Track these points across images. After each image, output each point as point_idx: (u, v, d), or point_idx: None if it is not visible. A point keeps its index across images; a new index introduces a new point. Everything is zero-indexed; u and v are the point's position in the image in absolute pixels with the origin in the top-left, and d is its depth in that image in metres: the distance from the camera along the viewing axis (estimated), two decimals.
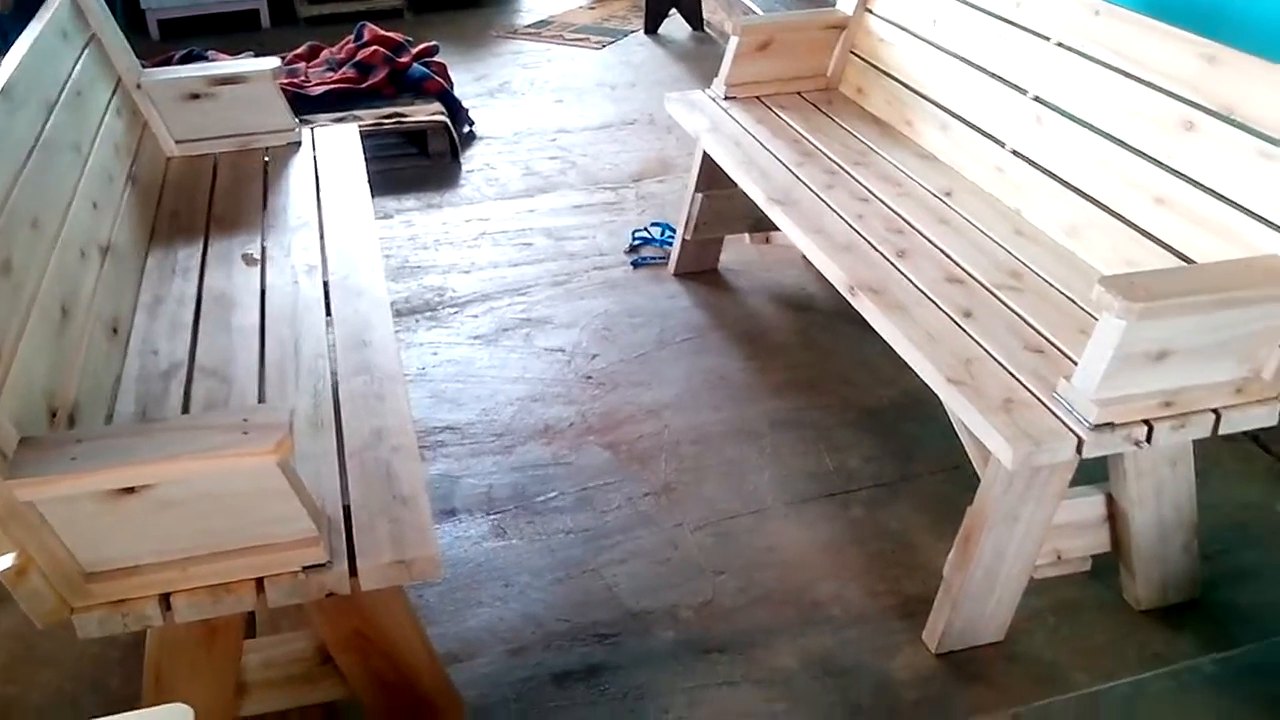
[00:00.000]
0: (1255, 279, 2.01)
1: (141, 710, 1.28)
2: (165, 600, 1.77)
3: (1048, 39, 2.81)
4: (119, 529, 1.72)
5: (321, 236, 2.85)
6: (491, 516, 2.79)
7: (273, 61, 3.38)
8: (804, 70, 3.63)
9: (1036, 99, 2.81)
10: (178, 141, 3.27)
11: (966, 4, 3.12)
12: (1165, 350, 1.97)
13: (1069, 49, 2.74)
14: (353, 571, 1.81)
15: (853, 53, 3.59)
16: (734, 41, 3.50)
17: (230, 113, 3.30)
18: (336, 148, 3.34)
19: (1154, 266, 2.34)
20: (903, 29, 3.37)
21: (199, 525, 1.75)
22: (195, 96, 3.26)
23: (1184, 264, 2.31)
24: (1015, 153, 2.86)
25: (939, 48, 3.20)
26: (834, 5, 3.67)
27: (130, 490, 1.68)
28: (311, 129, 3.47)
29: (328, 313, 2.54)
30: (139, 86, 3.17)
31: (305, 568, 1.81)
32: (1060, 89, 2.75)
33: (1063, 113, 2.72)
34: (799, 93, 3.61)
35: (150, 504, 1.71)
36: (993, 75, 2.98)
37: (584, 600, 2.53)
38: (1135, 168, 2.48)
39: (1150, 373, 1.99)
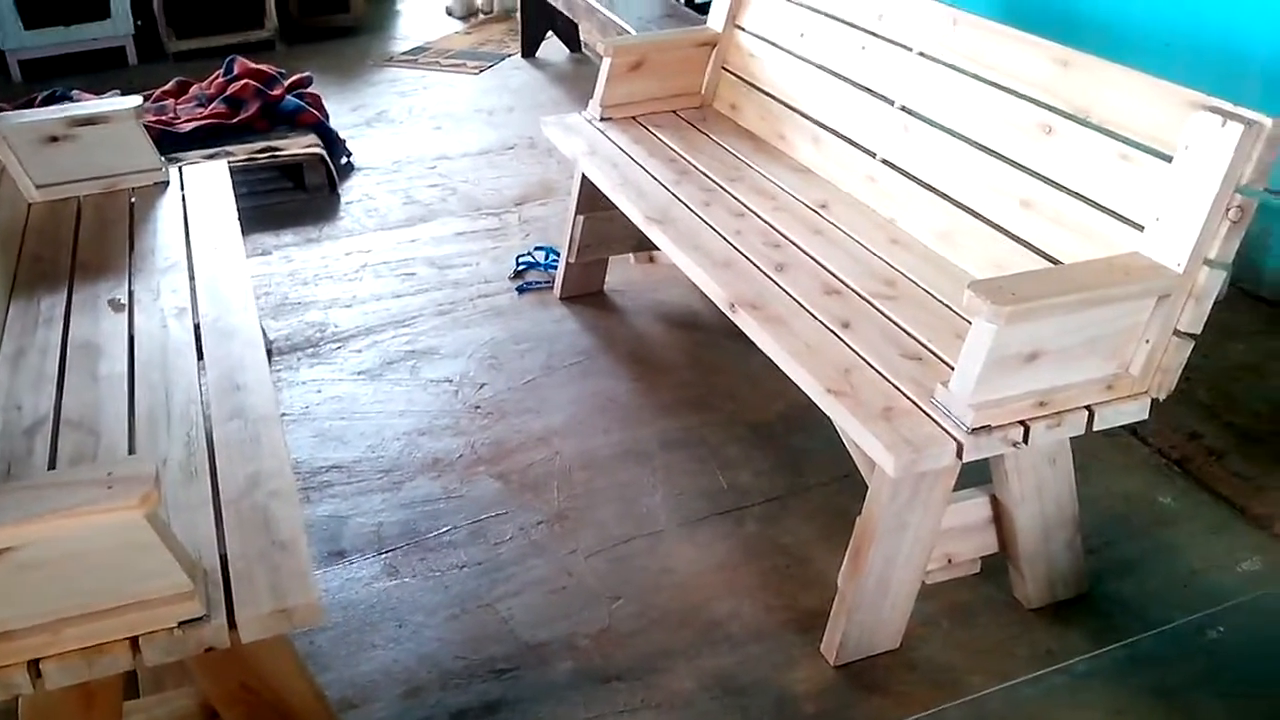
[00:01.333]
0: (1117, 278, 2.05)
1: None
2: (35, 666, 1.70)
3: (910, 49, 2.86)
4: None
5: (191, 278, 2.77)
6: (382, 555, 2.73)
7: (134, 100, 3.29)
8: (678, 88, 3.65)
9: (903, 109, 2.86)
10: (39, 186, 3.16)
11: (831, 17, 3.17)
12: (1036, 351, 2.01)
13: (931, 58, 2.79)
14: (232, 624, 1.75)
15: (725, 69, 3.62)
16: (606, 63, 3.50)
17: (93, 154, 3.20)
18: (205, 185, 3.26)
19: (1023, 269, 2.38)
20: (772, 44, 3.41)
21: (67, 586, 1.68)
22: (55, 139, 3.16)
23: (1051, 265, 2.35)
24: (886, 162, 2.90)
25: (807, 61, 3.24)
26: (705, 23, 3.70)
27: None
28: (180, 167, 3.38)
29: (200, 356, 2.46)
30: None
31: (181, 623, 1.74)
32: (925, 98, 2.79)
33: (929, 121, 2.77)
34: (675, 111, 3.63)
35: (13, 567, 1.63)
36: (860, 87, 3.03)
37: (480, 635, 2.49)
38: (1000, 172, 2.53)
39: (1023, 374, 2.03)
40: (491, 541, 2.75)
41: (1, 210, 2.91)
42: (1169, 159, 2.11)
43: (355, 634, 2.51)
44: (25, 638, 1.69)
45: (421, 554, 2.72)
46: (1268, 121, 1.96)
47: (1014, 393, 2.04)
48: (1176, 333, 2.11)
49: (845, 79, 3.09)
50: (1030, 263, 2.40)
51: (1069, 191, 2.36)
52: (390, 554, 2.73)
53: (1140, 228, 2.16)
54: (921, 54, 2.82)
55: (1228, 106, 2.02)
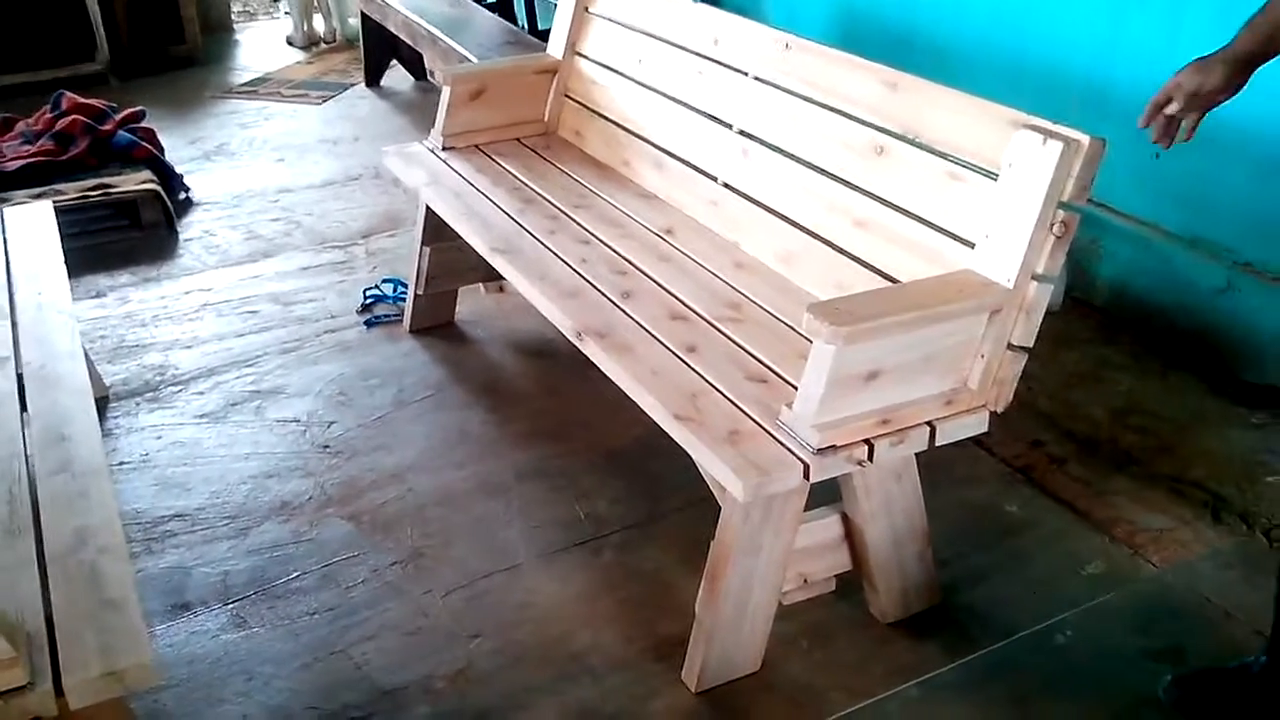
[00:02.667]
0: (950, 295, 2.10)
1: None
2: None
3: (746, 74, 2.89)
4: None
5: (14, 324, 2.64)
6: (229, 606, 2.63)
7: None
8: (521, 116, 3.63)
9: (742, 132, 2.89)
10: None
11: (667, 43, 3.19)
12: (875, 370, 2.03)
13: (766, 82, 2.83)
14: (59, 690, 1.66)
15: (567, 96, 3.61)
16: (446, 91, 3.46)
17: None
18: (29, 227, 3.12)
19: (863, 288, 2.42)
20: (612, 70, 3.42)
21: None
22: None
23: (889, 284, 2.39)
24: (727, 186, 2.92)
25: (647, 87, 3.26)
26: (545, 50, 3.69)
27: None
28: (1, 209, 3.23)
29: (23, 407, 2.34)
30: None
31: (2, 693, 1.65)
32: (762, 122, 2.83)
33: (766, 144, 2.81)
34: (519, 139, 3.60)
35: None
36: (699, 111, 3.05)
37: (333, 684, 2.41)
38: (835, 193, 2.57)
39: (864, 393, 2.05)
40: (344, 585, 2.67)
41: None
42: (995, 177, 2.17)
43: (202, 690, 2.41)
44: None
45: (270, 602, 2.63)
46: (1085, 139, 2.03)
47: (856, 412, 2.06)
48: (1010, 346, 2.16)
49: (684, 104, 3.11)
50: (870, 282, 2.43)
51: (902, 211, 2.40)
52: (237, 604, 2.63)
53: (972, 245, 2.21)
54: (757, 78, 2.85)
55: (1048, 125, 2.09)
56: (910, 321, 2.02)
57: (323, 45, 7.14)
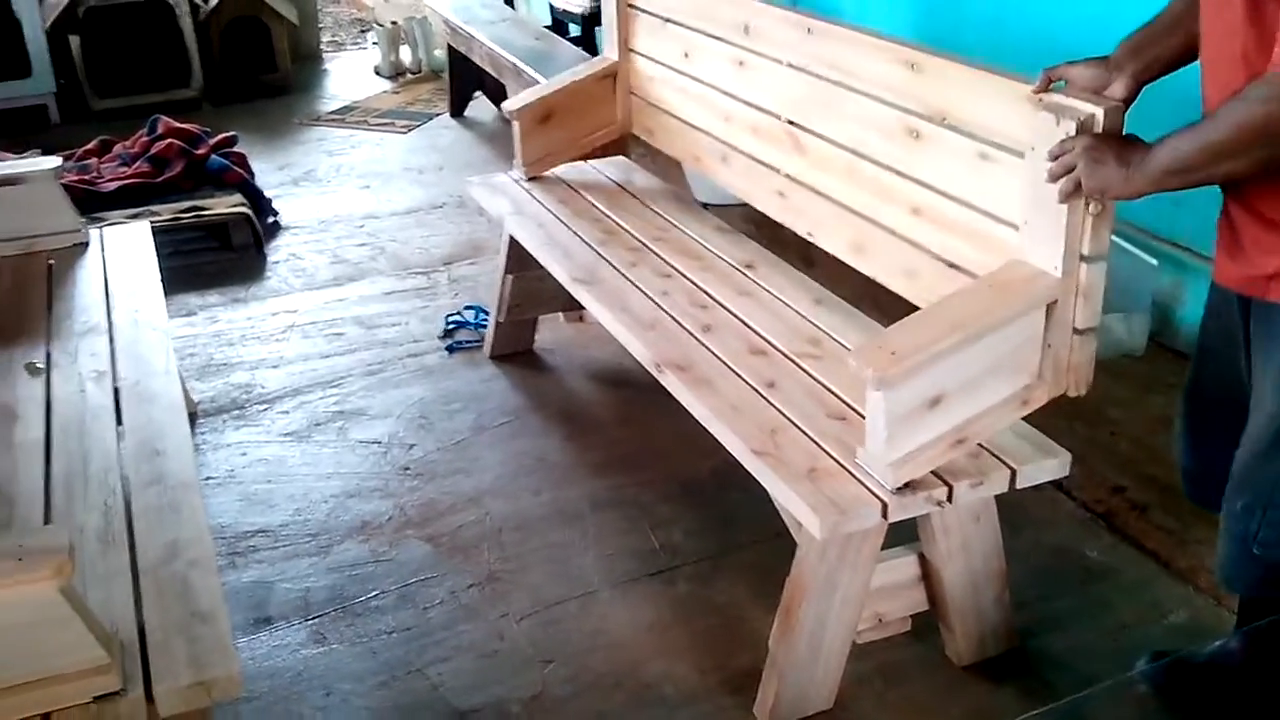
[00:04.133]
0: (996, 303, 2.04)
1: None
2: None
3: (780, 61, 2.83)
4: None
5: (111, 340, 2.73)
6: (310, 622, 2.68)
7: (53, 161, 3.25)
8: (594, 125, 3.65)
9: (789, 122, 2.82)
10: None
11: (705, 34, 3.14)
12: (937, 395, 2.01)
13: (798, 69, 2.76)
14: (149, 698, 1.71)
15: (633, 94, 3.60)
16: (515, 125, 3.51)
17: (9, 215, 3.14)
18: (126, 246, 3.22)
19: (930, 275, 2.37)
20: (663, 64, 3.40)
21: None
22: None
23: (959, 273, 2.32)
24: (789, 177, 2.85)
25: (698, 80, 3.22)
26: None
27: None
28: (100, 228, 3.34)
29: (119, 421, 2.42)
30: None
31: (97, 698, 1.70)
32: (803, 110, 2.76)
33: (813, 133, 2.74)
34: (598, 146, 3.64)
35: None
36: (747, 103, 3.00)
37: (410, 704, 2.44)
38: (884, 179, 2.50)
39: (931, 419, 2.03)
40: (421, 606, 2.71)
41: None
42: (1024, 157, 2.08)
43: (281, 704, 2.45)
44: None
45: (350, 620, 2.68)
46: (1099, 111, 1.90)
47: (928, 438, 2.04)
48: (1076, 331, 2.08)
49: (733, 96, 3.06)
50: (934, 269, 2.38)
51: (947, 196, 2.33)
52: (318, 620, 2.68)
53: (1018, 229, 2.14)
54: (790, 65, 2.78)
55: (1062, 101, 1.96)
56: (958, 343, 1.98)
57: (409, 75, 7.27)
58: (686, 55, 3.26)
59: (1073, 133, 1.91)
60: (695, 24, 3.20)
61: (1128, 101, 1.97)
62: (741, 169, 3.08)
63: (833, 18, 2.74)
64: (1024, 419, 2.26)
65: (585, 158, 3.74)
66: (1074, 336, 2.10)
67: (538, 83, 4.90)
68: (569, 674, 2.51)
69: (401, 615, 2.69)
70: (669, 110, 3.42)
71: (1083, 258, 2.02)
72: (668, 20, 3.33)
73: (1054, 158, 1.94)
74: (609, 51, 3.64)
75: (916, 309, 2.21)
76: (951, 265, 2.35)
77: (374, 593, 2.76)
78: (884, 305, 2.67)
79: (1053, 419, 2.25)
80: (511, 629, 2.64)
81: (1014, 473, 2.12)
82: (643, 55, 3.52)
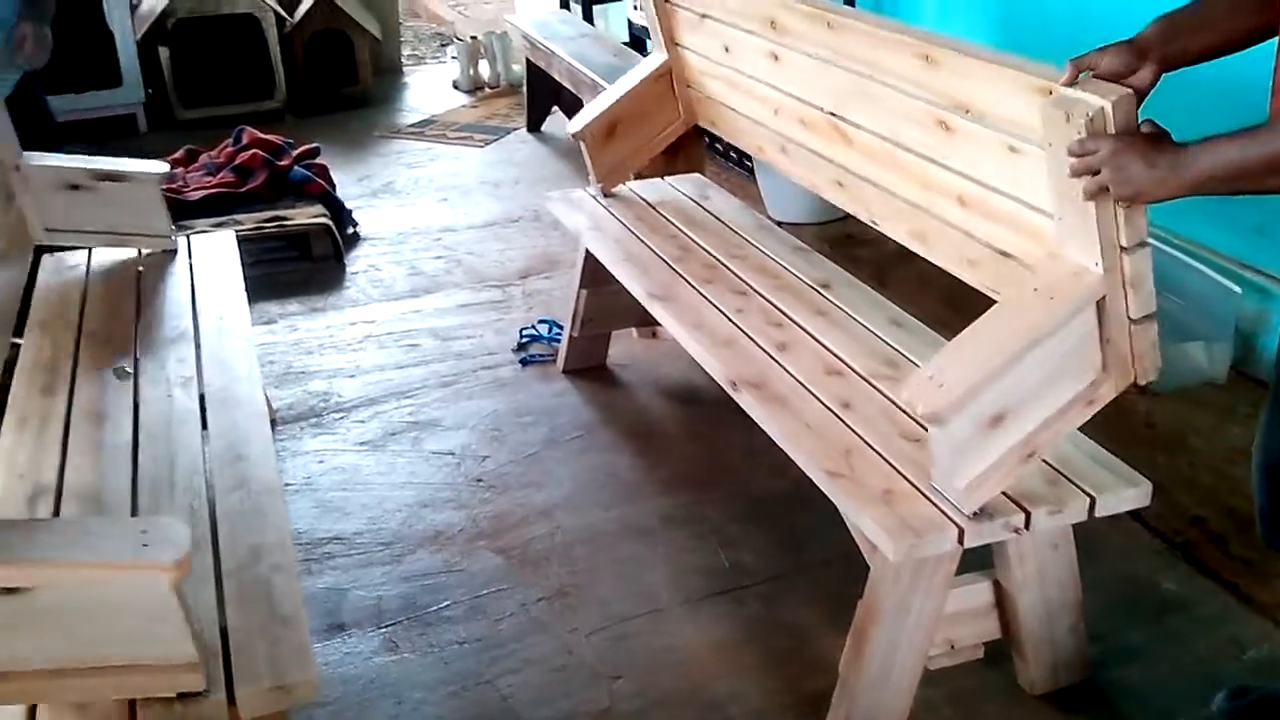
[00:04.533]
0: (1040, 313, 1.99)
1: None
2: (32, 712, 1.70)
3: (811, 55, 2.80)
4: None
5: (197, 347, 2.79)
6: (382, 630, 2.72)
7: (162, 166, 3.32)
8: (659, 126, 3.66)
9: (831, 114, 2.79)
10: (47, 229, 3.17)
11: (738, 28, 3.13)
12: (999, 414, 1.99)
13: (824, 61, 2.73)
14: (231, 700, 1.75)
15: (689, 88, 3.59)
16: (582, 144, 3.54)
17: (107, 210, 3.21)
18: (213, 255, 3.29)
19: (990, 264, 2.34)
20: (707, 59, 3.39)
21: (77, 636, 1.68)
22: (75, 188, 3.16)
23: (1012, 260, 2.28)
24: (843, 167, 2.82)
25: (740, 72, 3.21)
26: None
27: (10, 591, 1.60)
28: (188, 236, 3.42)
29: (204, 426, 2.47)
30: (18, 169, 3.07)
31: (181, 695, 1.74)
32: (842, 102, 2.73)
33: (854, 124, 2.71)
34: (669, 145, 3.67)
35: (29, 608, 1.63)
36: (791, 95, 2.97)
37: (479, 714, 2.47)
38: (929, 171, 2.47)
39: (997, 438, 2.01)
40: (492, 617, 2.74)
41: (9, 272, 2.91)
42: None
43: (353, 710, 2.49)
44: (26, 681, 1.68)
45: (421, 629, 2.71)
46: (1106, 104, 1.83)
47: (995, 457, 2.02)
48: (1133, 321, 2.01)
49: (777, 88, 3.03)
50: (994, 259, 2.34)
51: (986, 186, 2.29)
52: (390, 628, 2.72)
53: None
54: (820, 59, 2.76)
55: (1070, 95, 1.89)
56: (1007, 363, 1.94)
57: (487, 90, 7.35)
58: (727, 50, 3.24)
59: (1083, 129, 1.84)
60: (727, 19, 3.18)
61: (1146, 90, 1.90)
62: (800, 160, 3.05)
63: (860, 11, 2.68)
64: (1102, 446, 2.24)
65: (660, 171, 3.76)
66: (1132, 326, 2.01)
67: (592, 85, 4.92)
68: (636, 690, 2.52)
69: (472, 626, 2.72)
70: (724, 103, 3.41)
71: (1122, 249, 1.94)
72: (704, 16, 3.31)
73: (1075, 155, 1.86)
74: (657, 51, 3.64)
75: (993, 303, 2.17)
76: (1004, 254, 2.30)
77: (445, 603, 2.79)
78: (959, 326, 2.64)
79: (1131, 448, 2.24)
80: (580, 644, 2.66)
81: (1093, 501, 2.10)
82: (689, 50, 3.50)
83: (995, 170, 2.25)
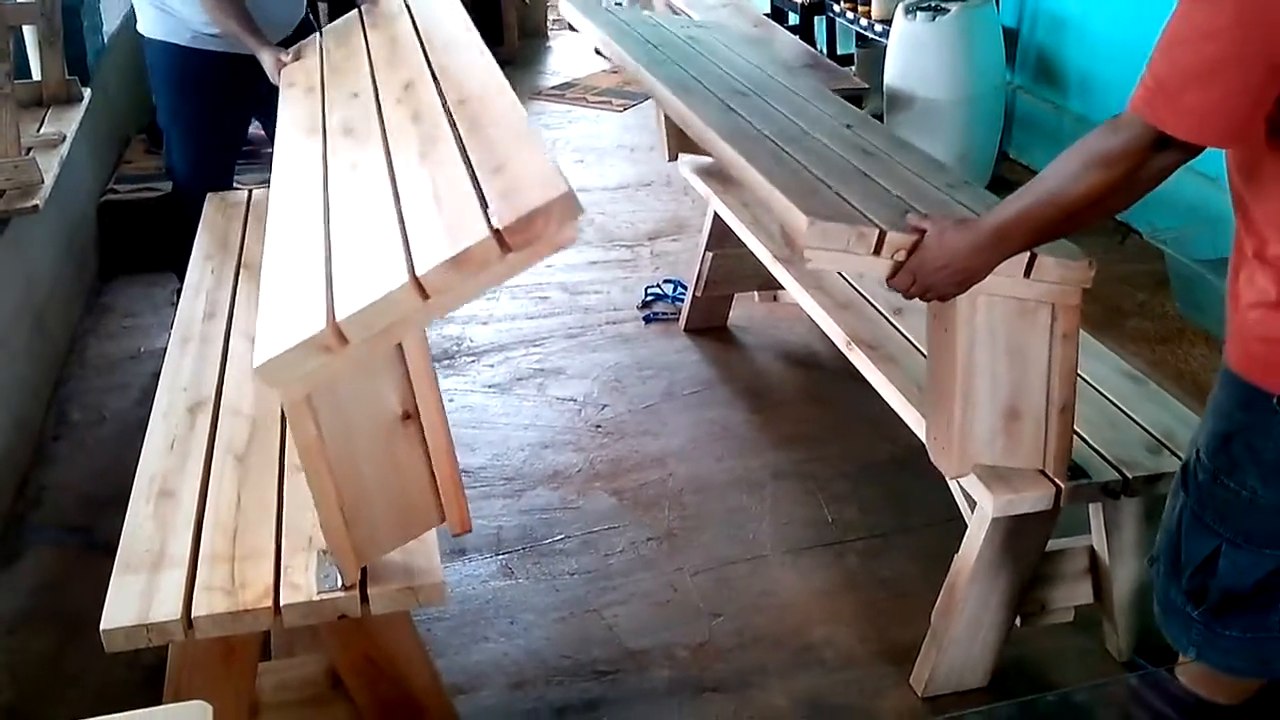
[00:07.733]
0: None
1: (163, 707, 1.38)
2: (188, 616, 1.89)
3: None
4: None
5: None
6: (500, 556, 2.89)
7: None
8: None
9: None
10: None
11: None
12: (1003, 410, 2.10)
13: None
14: (364, 596, 1.92)
15: None
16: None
17: None
18: None
19: None
20: None
21: None
22: None
23: None
24: None
25: None
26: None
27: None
28: None
29: None
30: None
31: (320, 591, 1.91)
32: None
33: None
34: None
35: None
36: None
37: (585, 638, 2.62)
38: None
39: (1023, 425, 2.12)
40: (602, 552, 2.89)
41: None
42: None
43: (469, 626, 2.67)
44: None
45: (536, 558, 2.88)
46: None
47: (1036, 434, 2.13)
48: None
49: None
50: None
51: None
52: (507, 555, 2.89)
53: None
54: None
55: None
56: (965, 390, 2.07)
57: None
58: None
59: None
60: None
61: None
62: None
63: None
64: None
65: None
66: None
67: None
68: (735, 628, 2.65)
69: (584, 559, 2.87)
70: None
71: None
72: None
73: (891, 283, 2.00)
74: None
75: None
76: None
77: (560, 536, 2.95)
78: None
79: None
80: (685, 582, 2.79)
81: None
82: None
83: None
